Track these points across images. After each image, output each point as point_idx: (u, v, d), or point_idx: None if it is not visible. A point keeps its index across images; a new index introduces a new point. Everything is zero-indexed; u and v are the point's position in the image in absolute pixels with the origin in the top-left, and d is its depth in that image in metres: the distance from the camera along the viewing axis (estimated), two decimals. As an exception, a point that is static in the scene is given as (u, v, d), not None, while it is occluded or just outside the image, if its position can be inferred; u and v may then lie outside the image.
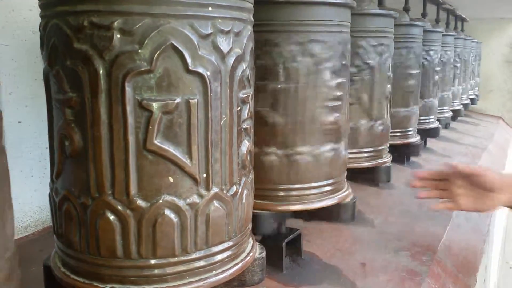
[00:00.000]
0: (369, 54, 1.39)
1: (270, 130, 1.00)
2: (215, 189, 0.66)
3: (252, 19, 0.74)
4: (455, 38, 2.57)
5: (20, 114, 1.17)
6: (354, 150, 1.39)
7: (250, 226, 0.77)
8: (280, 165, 1.02)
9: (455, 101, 2.92)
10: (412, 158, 2.23)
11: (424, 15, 2.49)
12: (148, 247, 0.64)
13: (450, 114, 2.73)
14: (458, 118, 3.45)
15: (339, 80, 1.02)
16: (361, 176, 1.65)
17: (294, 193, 1.06)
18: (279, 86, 0.99)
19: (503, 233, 4.03)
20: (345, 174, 1.15)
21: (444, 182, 1.18)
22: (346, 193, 1.12)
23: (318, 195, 1.07)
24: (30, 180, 1.19)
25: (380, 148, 1.46)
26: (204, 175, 0.65)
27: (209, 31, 0.63)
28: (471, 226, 1.68)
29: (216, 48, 0.64)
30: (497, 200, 1.15)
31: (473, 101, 3.72)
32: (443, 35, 2.28)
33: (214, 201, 0.66)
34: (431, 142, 2.57)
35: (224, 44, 0.65)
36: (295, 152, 1.01)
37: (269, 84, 0.98)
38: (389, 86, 1.47)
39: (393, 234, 1.40)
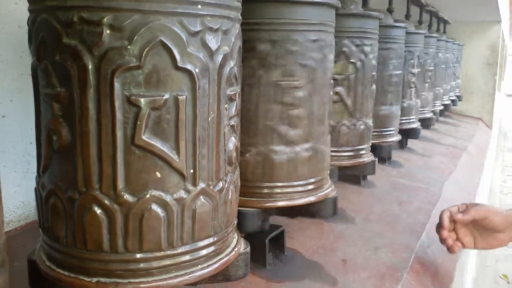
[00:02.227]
0: (353, 54, 1.41)
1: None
2: (201, 185, 0.67)
3: (240, 17, 0.75)
4: (437, 40, 2.62)
5: (4, 108, 1.16)
6: (335, 149, 1.41)
7: (235, 221, 0.78)
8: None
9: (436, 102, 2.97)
10: (393, 158, 2.27)
11: (407, 16, 2.53)
12: (134, 241, 0.64)
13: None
14: (439, 119, 3.50)
15: (320, 80, 1.04)
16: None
17: (278, 190, 1.07)
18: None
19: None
20: (328, 172, 1.16)
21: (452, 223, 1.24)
22: (329, 190, 1.13)
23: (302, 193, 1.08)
24: (13, 175, 1.18)
25: (361, 147, 1.48)
26: (191, 171, 0.65)
27: (198, 28, 0.64)
28: (450, 224, 1.71)
29: (204, 45, 0.65)
30: (502, 239, 1.21)
31: (454, 102, 3.78)
32: (425, 36, 2.31)
33: (201, 197, 0.67)
34: (412, 142, 2.61)
35: (212, 41, 0.66)
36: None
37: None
38: (373, 86, 1.49)
39: (374, 231, 1.43)
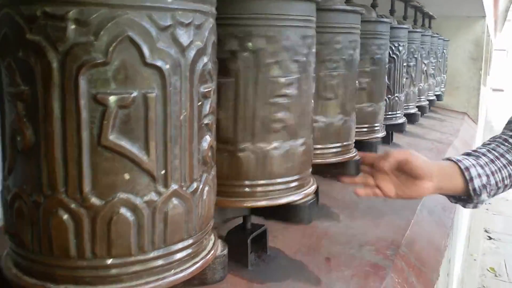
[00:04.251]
0: (343, 49, 1.39)
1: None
2: (174, 186, 0.64)
3: (214, 11, 0.72)
4: (421, 35, 2.60)
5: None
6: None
7: (211, 223, 0.76)
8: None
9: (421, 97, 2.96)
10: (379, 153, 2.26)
11: (392, 12, 2.51)
12: (103, 247, 0.61)
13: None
14: (425, 114, 3.50)
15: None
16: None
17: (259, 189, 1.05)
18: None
19: (468, 226, 4.13)
20: (310, 169, 1.15)
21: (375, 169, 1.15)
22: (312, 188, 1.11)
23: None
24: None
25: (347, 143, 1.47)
26: (163, 172, 0.63)
27: (169, 23, 0.61)
28: (435, 220, 1.70)
29: (175, 40, 0.62)
30: (424, 187, 1.13)
31: (439, 97, 3.78)
32: (409, 31, 2.30)
33: (173, 199, 0.64)
34: (397, 138, 2.60)
35: (184, 36, 0.63)
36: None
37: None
38: (357, 82, 1.47)
39: (358, 229, 1.41)
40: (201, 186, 0.68)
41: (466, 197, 1.15)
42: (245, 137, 1.01)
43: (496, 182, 1.13)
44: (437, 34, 3.59)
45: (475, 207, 1.19)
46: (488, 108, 8.79)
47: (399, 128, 2.34)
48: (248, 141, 0.98)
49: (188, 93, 0.64)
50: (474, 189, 1.11)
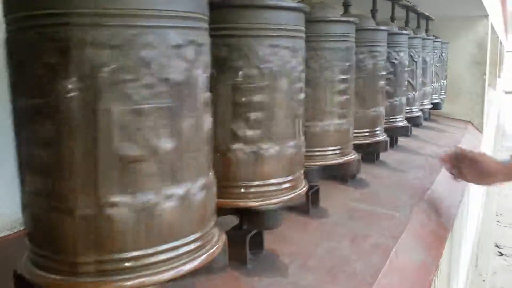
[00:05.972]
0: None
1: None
2: None
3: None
4: (408, 38, 2.28)
5: None
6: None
7: None
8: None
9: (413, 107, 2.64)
10: (360, 174, 1.95)
11: (373, 11, 2.20)
12: None
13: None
14: (424, 124, 3.18)
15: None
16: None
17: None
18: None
19: (475, 242, 3.79)
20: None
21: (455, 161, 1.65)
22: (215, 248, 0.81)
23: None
24: None
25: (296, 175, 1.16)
26: None
27: None
28: (416, 265, 1.39)
29: None
30: (493, 180, 1.60)
31: (437, 105, 3.44)
32: (391, 34, 1.99)
33: None
34: (385, 154, 2.28)
35: None
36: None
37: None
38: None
39: (308, 286, 1.10)
40: None
41: None
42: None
43: None
44: (434, 36, 3.27)
45: None
46: (500, 112, 8.39)
47: (384, 145, 2.02)
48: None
49: None
50: None
